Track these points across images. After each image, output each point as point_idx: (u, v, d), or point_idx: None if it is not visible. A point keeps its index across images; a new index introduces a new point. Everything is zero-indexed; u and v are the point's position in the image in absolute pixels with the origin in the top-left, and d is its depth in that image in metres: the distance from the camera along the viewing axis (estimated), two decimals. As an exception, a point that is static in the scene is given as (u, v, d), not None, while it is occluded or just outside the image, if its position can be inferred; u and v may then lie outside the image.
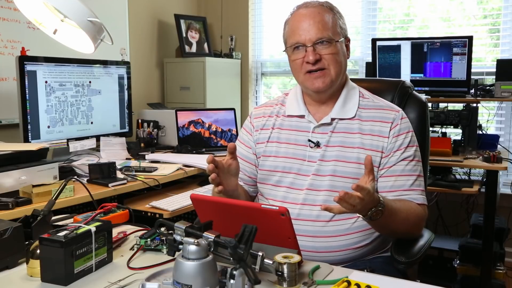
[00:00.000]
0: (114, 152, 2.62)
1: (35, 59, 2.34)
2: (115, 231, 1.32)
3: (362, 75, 3.56)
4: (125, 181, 2.11)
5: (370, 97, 1.53)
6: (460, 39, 2.91)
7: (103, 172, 2.11)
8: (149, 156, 2.64)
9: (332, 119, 1.47)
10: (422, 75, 3.04)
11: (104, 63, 2.72)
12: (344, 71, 1.50)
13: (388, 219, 1.30)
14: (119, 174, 2.20)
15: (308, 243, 1.38)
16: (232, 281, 0.91)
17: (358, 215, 1.33)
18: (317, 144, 1.46)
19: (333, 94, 1.49)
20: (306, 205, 1.42)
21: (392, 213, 1.31)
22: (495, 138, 3.00)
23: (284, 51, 1.51)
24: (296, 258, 1.02)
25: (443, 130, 3.02)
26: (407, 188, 1.42)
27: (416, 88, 1.82)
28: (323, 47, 1.42)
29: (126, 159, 2.61)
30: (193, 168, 2.49)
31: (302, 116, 1.51)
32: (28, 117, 2.30)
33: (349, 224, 1.40)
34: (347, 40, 1.50)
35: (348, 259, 1.41)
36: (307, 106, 1.52)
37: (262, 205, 1.07)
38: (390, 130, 1.44)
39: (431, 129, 2.96)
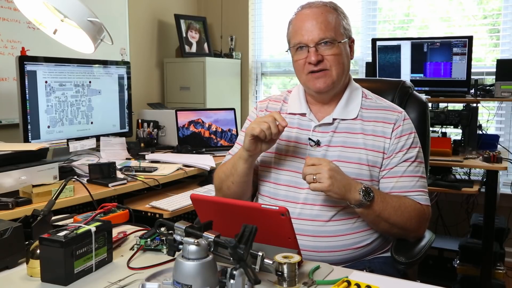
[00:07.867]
0: (114, 152, 2.62)
1: (35, 59, 2.34)
2: (115, 231, 1.32)
3: (362, 75, 3.55)
4: (125, 181, 2.11)
5: (373, 97, 1.53)
6: (460, 39, 2.91)
7: (103, 172, 2.11)
8: (149, 156, 2.64)
9: (334, 119, 1.47)
10: (422, 75, 3.04)
11: (104, 63, 2.72)
12: (347, 72, 1.49)
13: (379, 205, 1.32)
14: (119, 174, 2.20)
15: (309, 242, 1.38)
16: (232, 281, 0.91)
17: (356, 210, 1.33)
18: (317, 143, 1.45)
19: (336, 95, 1.49)
20: (308, 204, 1.41)
21: (383, 199, 1.34)
22: (495, 138, 3.00)
23: (287, 51, 1.51)
24: (296, 258, 1.02)
25: (443, 130, 3.02)
26: (409, 189, 1.42)
27: (416, 88, 1.82)
28: (326, 48, 1.41)
29: (126, 159, 2.60)
30: (193, 168, 2.49)
31: (304, 114, 1.51)
32: (28, 117, 2.29)
33: (349, 224, 1.40)
34: (351, 40, 1.49)
35: (348, 259, 1.41)
36: (309, 105, 1.52)
37: (262, 205, 1.07)
38: (392, 131, 1.44)
39: (431, 129, 2.96)
